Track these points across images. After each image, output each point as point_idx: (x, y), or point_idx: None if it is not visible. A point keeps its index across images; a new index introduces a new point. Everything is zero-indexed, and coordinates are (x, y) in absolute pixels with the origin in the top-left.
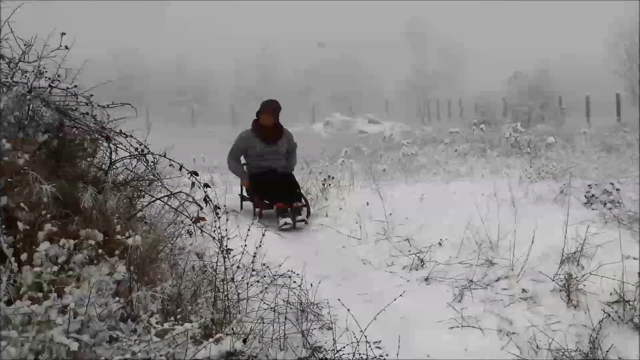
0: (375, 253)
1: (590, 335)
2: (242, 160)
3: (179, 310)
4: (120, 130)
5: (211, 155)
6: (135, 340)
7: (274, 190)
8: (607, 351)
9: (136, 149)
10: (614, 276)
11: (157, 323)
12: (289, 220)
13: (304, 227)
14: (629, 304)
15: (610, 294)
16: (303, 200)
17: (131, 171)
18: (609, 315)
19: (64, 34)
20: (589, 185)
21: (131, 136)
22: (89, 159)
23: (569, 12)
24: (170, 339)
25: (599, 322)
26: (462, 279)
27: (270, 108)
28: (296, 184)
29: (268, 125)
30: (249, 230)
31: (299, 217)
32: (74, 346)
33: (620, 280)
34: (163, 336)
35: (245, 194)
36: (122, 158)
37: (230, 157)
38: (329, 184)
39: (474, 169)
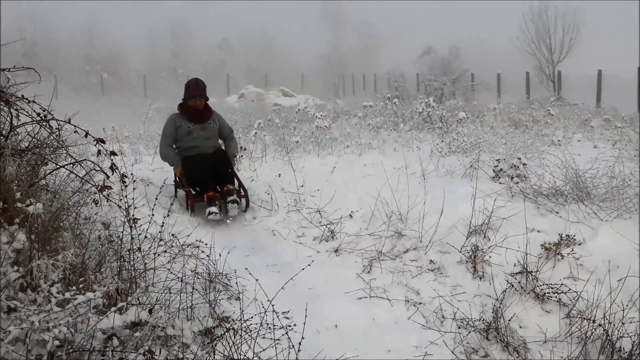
0: (285, 224)
1: (494, 305)
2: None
3: (82, 279)
4: (22, 95)
5: (122, 126)
6: (35, 310)
7: (206, 174)
8: (510, 320)
9: (39, 115)
10: (518, 248)
11: (58, 292)
12: (213, 209)
13: (237, 215)
14: (531, 275)
15: (514, 265)
16: (239, 187)
17: (33, 138)
18: (512, 285)
19: None
20: (497, 160)
21: (34, 102)
22: None
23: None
24: (72, 309)
25: (502, 292)
26: (371, 250)
27: (200, 91)
28: (228, 163)
29: (197, 108)
30: (156, 199)
31: (230, 198)
32: None
33: (523, 252)
34: (64, 306)
35: (178, 181)
36: (23, 124)
37: (162, 145)
38: (241, 156)
39: (386, 143)
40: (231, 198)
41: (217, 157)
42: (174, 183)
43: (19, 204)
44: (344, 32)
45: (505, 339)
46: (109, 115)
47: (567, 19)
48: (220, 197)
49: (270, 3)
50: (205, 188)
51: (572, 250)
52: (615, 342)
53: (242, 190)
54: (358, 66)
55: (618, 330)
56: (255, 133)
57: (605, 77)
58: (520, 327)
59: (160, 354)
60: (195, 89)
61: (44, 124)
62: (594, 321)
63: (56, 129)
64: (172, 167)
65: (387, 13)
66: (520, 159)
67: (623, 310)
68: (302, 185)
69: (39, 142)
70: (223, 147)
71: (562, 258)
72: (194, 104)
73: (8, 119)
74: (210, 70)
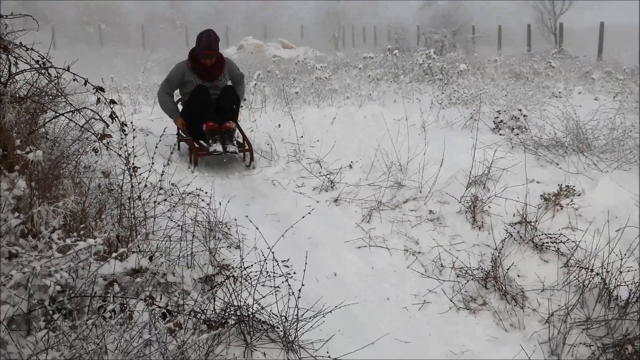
0: (285, 174)
1: (493, 254)
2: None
3: (82, 226)
4: (21, 43)
5: (121, 76)
6: (36, 256)
7: (208, 104)
8: (508, 269)
9: (37, 62)
10: (517, 198)
11: (59, 239)
12: (219, 147)
13: (237, 165)
14: (530, 225)
15: (514, 215)
16: (244, 142)
17: (32, 85)
18: (511, 235)
19: None
20: (497, 111)
21: (32, 49)
22: None
23: None
24: (72, 255)
25: (501, 242)
26: (371, 200)
27: (212, 50)
28: (235, 99)
29: (208, 66)
30: (156, 147)
31: (231, 149)
32: None
33: (523, 202)
34: (65, 252)
35: (181, 133)
36: (22, 71)
37: (162, 91)
38: (242, 106)
39: (386, 94)
40: (232, 149)
41: (223, 91)
42: (176, 135)
43: (18, 151)
44: None
45: (504, 288)
46: (108, 65)
47: None
48: (219, 133)
49: None
50: (205, 118)
51: (572, 200)
52: (613, 290)
53: (246, 145)
54: (358, 18)
55: (615, 279)
56: (255, 84)
57: (607, 29)
58: (518, 276)
59: (160, 300)
60: (206, 48)
61: (43, 71)
62: (591, 270)
63: (55, 77)
64: (172, 120)
65: None
66: (520, 110)
67: (621, 260)
68: (302, 136)
69: (37, 90)
70: None
71: (562, 208)
72: (205, 62)
73: (6, 66)
74: (209, 21)
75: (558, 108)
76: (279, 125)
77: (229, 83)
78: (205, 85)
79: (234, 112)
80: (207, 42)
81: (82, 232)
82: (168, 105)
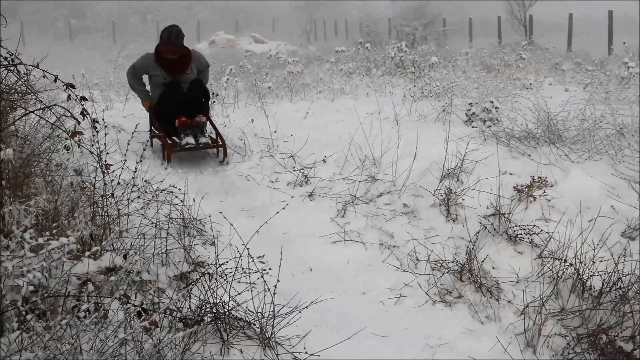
0: (259, 169)
1: (467, 247)
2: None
3: (55, 225)
4: None
5: (91, 72)
6: (8, 255)
7: (178, 101)
8: (483, 261)
9: (5, 59)
10: (490, 191)
11: (31, 238)
12: (191, 140)
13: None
14: (504, 217)
15: (487, 207)
16: (217, 137)
17: (1, 83)
18: (485, 227)
19: None
20: (469, 104)
21: (0, 46)
22: None
23: None
24: (45, 254)
25: (476, 234)
26: (345, 194)
27: (172, 45)
28: (205, 93)
29: (173, 61)
30: (128, 144)
31: (203, 140)
32: None
33: (496, 194)
34: (38, 251)
35: (153, 130)
36: None
37: (130, 75)
38: (214, 102)
39: (358, 88)
40: (204, 141)
41: (194, 85)
42: (148, 131)
43: None
44: None
45: (479, 280)
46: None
47: None
48: (191, 127)
49: None
50: (176, 113)
51: (544, 192)
52: (586, 281)
53: (219, 140)
54: (329, 11)
55: (589, 270)
56: (227, 79)
57: (576, 21)
58: (493, 268)
59: (135, 298)
60: (166, 42)
61: (12, 68)
62: (565, 261)
63: (24, 74)
64: (141, 101)
65: None
66: (492, 102)
67: (594, 250)
68: (275, 131)
69: (6, 88)
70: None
71: (534, 200)
72: (167, 57)
73: None
74: (180, 15)
75: (529, 100)
76: (252, 120)
77: (195, 74)
78: (178, 81)
79: (204, 106)
80: (167, 38)
81: (54, 231)
82: (137, 86)
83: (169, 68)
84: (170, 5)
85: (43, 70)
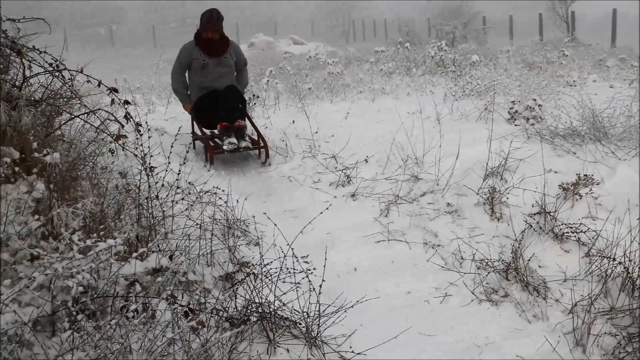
0: (301, 170)
1: (513, 246)
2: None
3: (102, 227)
4: (34, 46)
5: (133, 77)
6: (57, 257)
7: (218, 109)
8: (529, 260)
9: (51, 65)
10: (535, 189)
11: (79, 240)
12: (233, 139)
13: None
14: (550, 215)
15: (532, 205)
16: (258, 139)
17: (46, 88)
18: (531, 225)
19: None
20: (512, 102)
21: (45, 52)
22: (0, 75)
23: None
24: (93, 256)
25: (521, 233)
26: (388, 194)
27: (213, 24)
28: (241, 99)
29: (212, 39)
30: (171, 147)
31: (244, 144)
32: None
33: (541, 192)
34: (86, 253)
35: (196, 130)
36: (36, 74)
37: (174, 76)
38: (254, 103)
39: (399, 88)
40: (244, 145)
41: (229, 93)
42: (191, 134)
43: (36, 154)
44: None
45: (525, 279)
46: (120, 65)
47: None
48: (232, 131)
49: None
50: (217, 120)
51: (590, 190)
52: (636, 279)
53: (261, 142)
54: (367, 11)
55: (639, 268)
56: (268, 81)
57: (620, 16)
58: (539, 266)
59: (182, 298)
60: (207, 22)
61: (57, 74)
62: (614, 259)
63: (69, 79)
64: (182, 105)
65: None
66: (535, 100)
67: None
68: (317, 132)
69: (52, 93)
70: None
71: (581, 198)
72: (207, 35)
73: (20, 70)
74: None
75: (573, 97)
76: (293, 121)
77: (234, 62)
78: (216, 89)
79: (242, 112)
80: (208, 17)
81: (101, 233)
82: (180, 89)
83: (208, 47)
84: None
85: (87, 75)
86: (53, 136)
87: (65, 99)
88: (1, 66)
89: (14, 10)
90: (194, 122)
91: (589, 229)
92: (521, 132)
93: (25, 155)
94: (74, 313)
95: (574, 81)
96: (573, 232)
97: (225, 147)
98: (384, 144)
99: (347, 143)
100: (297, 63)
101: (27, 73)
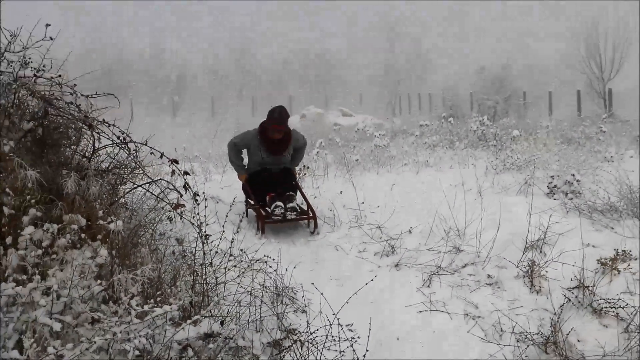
0: (347, 239)
1: (552, 319)
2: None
3: (158, 293)
4: (103, 120)
5: (192, 145)
6: (116, 321)
7: (270, 183)
8: (568, 334)
9: (118, 137)
10: (574, 263)
11: (137, 305)
12: (279, 202)
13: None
14: (588, 289)
15: (571, 279)
16: (308, 209)
17: (113, 159)
18: (570, 300)
19: (49, 25)
20: (551, 177)
21: (114, 125)
22: (72, 147)
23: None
24: (149, 321)
25: (560, 307)
26: (430, 265)
27: (279, 125)
28: (291, 176)
29: (275, 139)
30: (226, 216)
31: (290, 205)
32: (57, 326)
33: (580, 266)
34: (143, 318)
35: (249, 201)
36: (104, 146)
37: (231, 147)
38: (305, 174)
39: (442, 160)
40: (291, 205)
41: (282, 174)
42: (244, 202)
43: (101, 222)
44: (396, 49)
45: (564, 353)
46: (180, 134)
47: (618, 34)
48: (282, 199)
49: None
50: (267, 190)
51: (629, 265)
52: None
53: (310, 212)
54: (411, 84)
55: None
56: (317, 152)
57: None
58: (578, 341)
59: None
60: (273, 122)
61: (123, 146)
62: None
63: (134, 150)
64: (237, 175)
65: (430, 27)
66: (574, 175)
67: None
68: (363, 202)
69: (118, 163)
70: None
71: (619, 273)
72: (274, 136)
73: (91, 142)
74: (272, 89)
75: (610, 172)
76: (341, 192)
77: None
78: (269, 170)
79: (294, 189)
80: (279, 117)
81: (158, 299)
82: (235, 161)
83: (272, 146)
84: (262, 81)
85: (151, 147)
86: (117, 204)
87: (129, 169)
88: (74, 138)
89: (85, 79)
90: (246, 191)
91: (627, 304)
92: (560, 207)
93: (91, 222)
94: None
95: (611, 157)
96: (611, 307)
97: (272, 211)
98: (427, 215)
99: (392, 214)
100: (345, 134)
101: (97, 144)
